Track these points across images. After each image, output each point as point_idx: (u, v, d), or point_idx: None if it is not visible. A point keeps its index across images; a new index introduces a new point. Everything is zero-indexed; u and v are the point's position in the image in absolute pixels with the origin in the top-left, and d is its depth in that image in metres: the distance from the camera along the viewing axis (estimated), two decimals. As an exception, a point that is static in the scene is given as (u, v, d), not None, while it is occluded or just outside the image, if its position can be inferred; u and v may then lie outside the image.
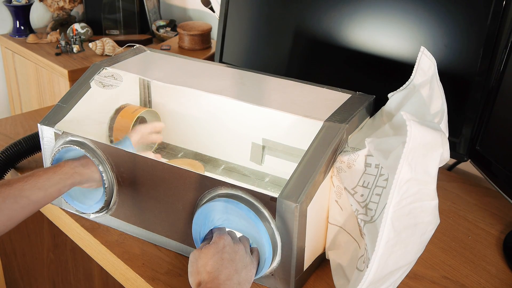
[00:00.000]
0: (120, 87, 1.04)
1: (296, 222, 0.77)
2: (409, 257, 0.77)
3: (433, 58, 0.87)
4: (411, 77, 0.89)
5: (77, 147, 0.91)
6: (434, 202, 0.77)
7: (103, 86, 1.02)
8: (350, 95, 0.96)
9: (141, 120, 1.11)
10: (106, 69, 1.04)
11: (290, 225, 0.77)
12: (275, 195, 0.77)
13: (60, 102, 0.99)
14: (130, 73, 1.04)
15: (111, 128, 1.08)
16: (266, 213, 0.78)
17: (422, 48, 0.87)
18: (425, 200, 0.75)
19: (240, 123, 1.08)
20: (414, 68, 0.89)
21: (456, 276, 0.90)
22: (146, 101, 1.17)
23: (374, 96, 0.96)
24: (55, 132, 0.95)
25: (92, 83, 1.02)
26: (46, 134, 0.96)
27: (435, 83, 0.85)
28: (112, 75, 1.04)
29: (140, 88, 1.16)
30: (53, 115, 0.97)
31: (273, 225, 0.79)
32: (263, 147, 1.06)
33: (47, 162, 0.99)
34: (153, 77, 1.01)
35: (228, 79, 1.03)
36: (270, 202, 0.78)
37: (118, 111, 1.08)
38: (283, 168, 1.04)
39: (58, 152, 0.93)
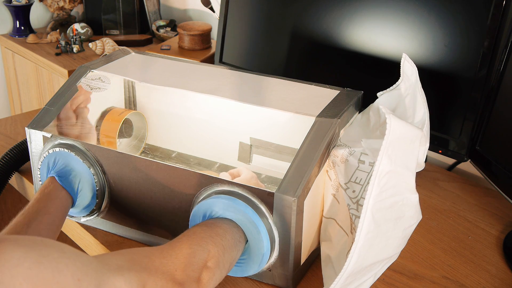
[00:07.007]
0: (106, 90, 1.02)
1: (294, 216, 0.77)
2: (390, 251, 0.78)
3: (415, 65, 0.88)
4: (400, 79, 0.90)
5: (66, 150, 0.89)
6: (415, 196, 0.78)
7: (91, 89, 1.01)
8: (339, 91, 0.96)
9: (126, 122, 1.10)
10: (92, 71, 1.02)
11: (288, 219, 0.78)
12: (272, 190, 0.78)
13: (47, 105, 0.97)
14: (116, 75, 1.02)
15: (97, 131, 1.06)
16: (263, 208, 0.79)
17: (404, 55, 0.88)
18: (406, 193, 0.76)
19: (226, 123, 1.07)
20: (401, 72, 0.90)
21: (456, 276, 0.90)
22: (131, 103, 1.15)
23: (362, 91, 0.97)
24: (43, 136, 0.93)
25: (79, 86, 1.00)
26: (34, 138, 0.94)
27: (418, 92, 0.87)
28: (99, 77, 1.02)
29: (125, 90, 1.14)
30: (41, 118, 0.95)
31: (270, 221, 0.79)
32: (251, 146, 1.06)
33: (35, 166, 0.97)
34: (139, 79, 1.00)
35: (214, 79, 1.02)
36: (267, 198, 0.78)
37: (104, 114, 1.07)
38: (271, 167, 1.04)
39: (47, 156, 0.91)
